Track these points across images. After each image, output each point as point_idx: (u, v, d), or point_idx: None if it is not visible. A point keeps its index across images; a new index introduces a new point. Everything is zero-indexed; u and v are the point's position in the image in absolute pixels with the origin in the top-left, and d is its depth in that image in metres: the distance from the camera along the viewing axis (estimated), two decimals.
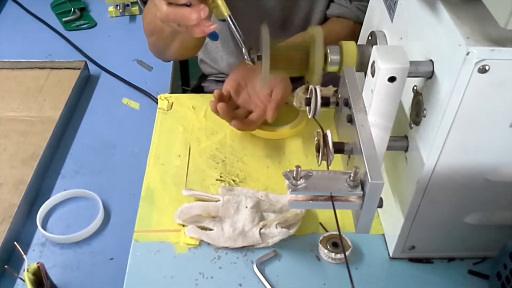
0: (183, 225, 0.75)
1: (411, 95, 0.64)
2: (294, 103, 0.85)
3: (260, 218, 0.75)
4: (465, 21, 0.54)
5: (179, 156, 0.87)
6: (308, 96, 0.68)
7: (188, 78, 1.53)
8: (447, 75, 0.55)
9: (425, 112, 0.60)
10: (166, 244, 0.74)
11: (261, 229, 0.73)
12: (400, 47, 0.59)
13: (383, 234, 0.76)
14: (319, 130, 0.60)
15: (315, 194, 0.53)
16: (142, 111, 1.00)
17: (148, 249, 0.73)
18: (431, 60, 0.59)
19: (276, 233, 0.73)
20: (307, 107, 0.68)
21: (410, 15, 0.66)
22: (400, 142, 0.66)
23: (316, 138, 0.60)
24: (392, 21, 0.71)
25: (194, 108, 0.96)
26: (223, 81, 1.25)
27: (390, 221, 0.73)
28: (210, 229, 0.74)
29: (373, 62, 0.58)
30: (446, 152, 0.59)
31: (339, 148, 0.59)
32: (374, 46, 0.58)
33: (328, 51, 0.71)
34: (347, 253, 0.71)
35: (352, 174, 0.52)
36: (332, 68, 0.72)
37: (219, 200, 0.76)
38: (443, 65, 0.57)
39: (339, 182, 0.53)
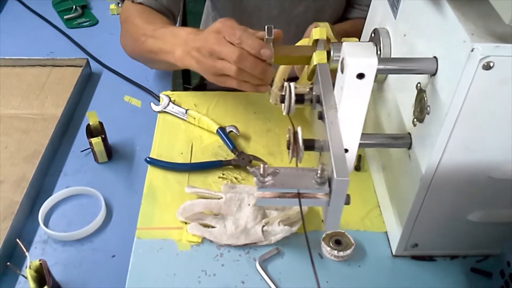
0: (186, 223, 0.75)
1: (414, 92, 0.64)
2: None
3: (263, 216, 0.75)
4: (469, 17, 0.54)
5: (181, 153, 0.87)
6: (282, 93, 0.67)
7: (190, 76, 1.53)
8: (451, 72, 0.55)
9: (428, 109, 0.60)
10: (168, 242, 0.74)
11: (263, 226, 0.73)
12: (370, 44, 0.57)
13: (386, 232, 0.76)
14: (290, 127, 0.60)
15: (282, 191, 0.53)
16: (144, 108, 1.00)
17: (150, 247, 0.73)
18: (435, 57, 0.59)
19: (278, 231, 0.73)
20: (282, 104, 0.68)
21: (414, 12, 0.66)
22: (403, 140, 0.66)
23: (287, 135, 0.59)
24: (395, 18, 0.71)
25: (196, 106, 0.96)
26: None
27: (393, 219, 0.73)
28: (213, 227, 0.74)
29: (343, 58, 0.56)
30: (449, 149, 0.59)
31: (309, 145, 0.59)
32: (344, 43, 0.56)
33: (332, 48, 0.71)
34: (349, 251, 0.71)
35: (319, 171, 0.52)
36: (334, 65, 0.72)
37: (222, 198, 0.76)
38: (447, 62, 0.56)
39: (307, 179, 0.53)
